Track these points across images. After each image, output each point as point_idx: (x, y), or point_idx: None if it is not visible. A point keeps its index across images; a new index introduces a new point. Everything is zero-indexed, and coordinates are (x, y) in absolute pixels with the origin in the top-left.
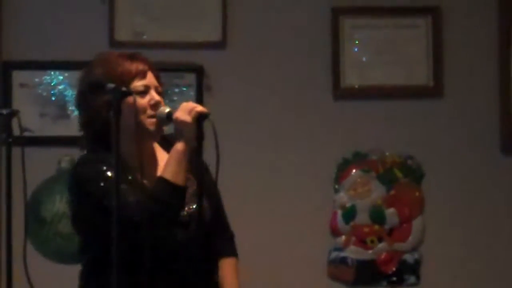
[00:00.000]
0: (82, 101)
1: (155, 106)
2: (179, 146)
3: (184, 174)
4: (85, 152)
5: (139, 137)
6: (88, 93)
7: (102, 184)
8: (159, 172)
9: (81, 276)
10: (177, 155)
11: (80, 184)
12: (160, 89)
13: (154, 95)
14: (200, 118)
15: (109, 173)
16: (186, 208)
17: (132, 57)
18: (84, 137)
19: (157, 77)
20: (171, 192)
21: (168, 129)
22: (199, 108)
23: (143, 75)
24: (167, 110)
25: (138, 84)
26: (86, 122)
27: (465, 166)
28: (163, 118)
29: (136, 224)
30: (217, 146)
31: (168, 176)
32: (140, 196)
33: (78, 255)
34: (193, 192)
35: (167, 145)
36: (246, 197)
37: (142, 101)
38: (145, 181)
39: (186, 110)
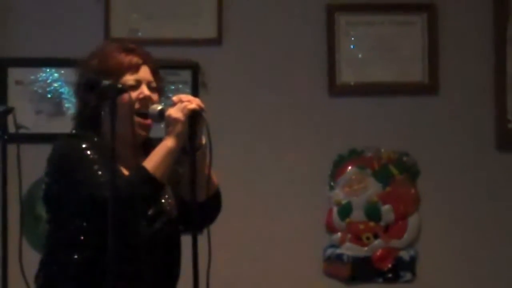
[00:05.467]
0: (77, 92)
1: (143, 100)
2: (168, 142)
3: (166, 171)
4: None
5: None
6: (82, 86)
7: (89, 170)
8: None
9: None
10: (164, 149)
11: (65, 167)
12: (154, 84)
13: (144, 90)
14: (193, 116)
15: (92, 156)
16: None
17: (128, 50)
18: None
19: (154, 72)
20: (145, 181)
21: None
22: (192, 105)
23: (135, 69)
24: (159, 107)
25: (129, 78)
26: (78, 112)
27: (460, 163)
28: (155, 116)
29: (103, 203)
30: (210, 144)
31: (148, 166)
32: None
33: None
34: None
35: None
36: (241, 195)
37: (132, 95)
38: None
39: (179, 108)
